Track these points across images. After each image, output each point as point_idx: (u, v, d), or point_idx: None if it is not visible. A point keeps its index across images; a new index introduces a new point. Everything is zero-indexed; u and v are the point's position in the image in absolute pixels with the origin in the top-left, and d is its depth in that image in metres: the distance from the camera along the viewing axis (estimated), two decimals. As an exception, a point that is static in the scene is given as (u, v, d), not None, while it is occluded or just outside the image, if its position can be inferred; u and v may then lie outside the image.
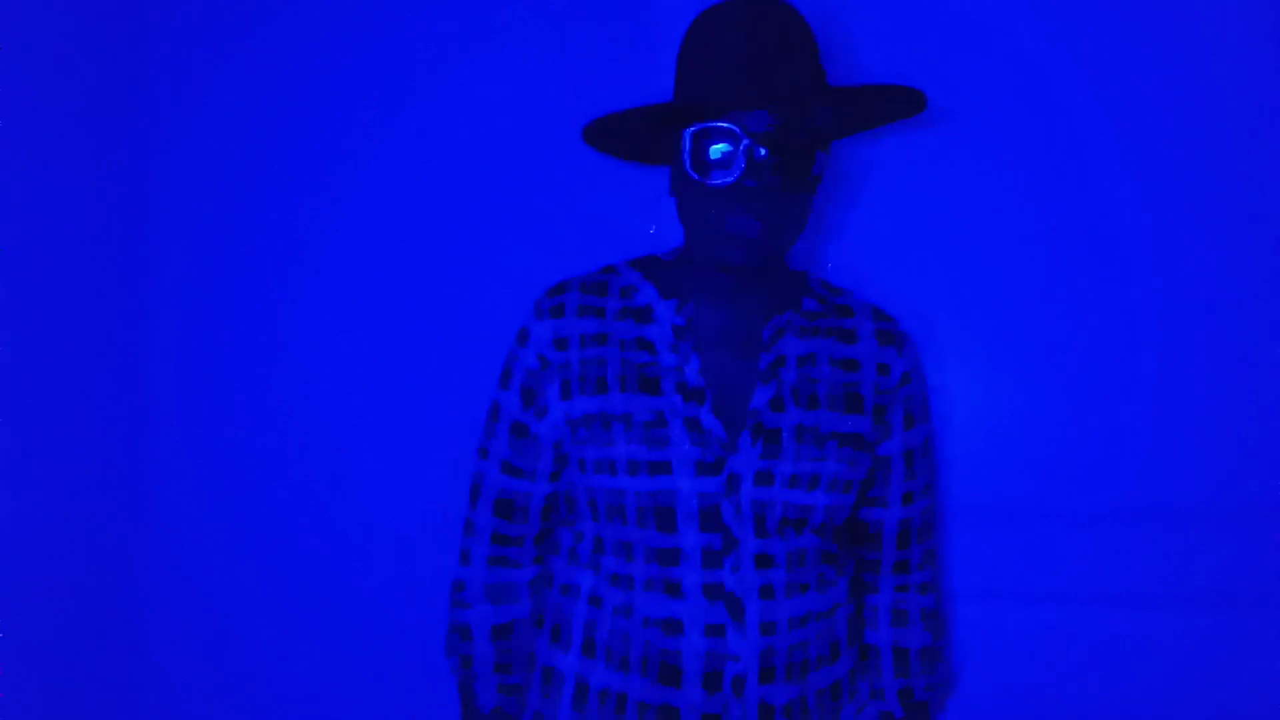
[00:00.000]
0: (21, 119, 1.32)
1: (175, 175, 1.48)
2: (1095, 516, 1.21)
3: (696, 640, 0.97)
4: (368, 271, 1.42)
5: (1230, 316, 1.18)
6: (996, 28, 1.23)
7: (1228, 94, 1.17)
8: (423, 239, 1.40)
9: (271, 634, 1.46)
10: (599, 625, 1.02)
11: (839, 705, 1.05)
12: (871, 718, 1.11)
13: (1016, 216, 1.23)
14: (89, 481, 1.44)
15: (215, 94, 1.46)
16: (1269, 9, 1.17)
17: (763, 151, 0.92)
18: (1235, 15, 1.18)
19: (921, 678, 1.12)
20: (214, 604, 1.48)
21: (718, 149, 0.93)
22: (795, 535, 1.00)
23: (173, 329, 1.49)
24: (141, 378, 1.49)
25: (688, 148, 0.95)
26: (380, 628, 1.40)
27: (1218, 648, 1.18)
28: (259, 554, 1.46)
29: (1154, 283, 1.20)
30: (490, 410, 1.09)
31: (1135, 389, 1.20)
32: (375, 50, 1.40)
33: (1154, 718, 1.20)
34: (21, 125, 1.32)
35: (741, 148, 0.92)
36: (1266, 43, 1.16)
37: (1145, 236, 1.20)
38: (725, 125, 0.93)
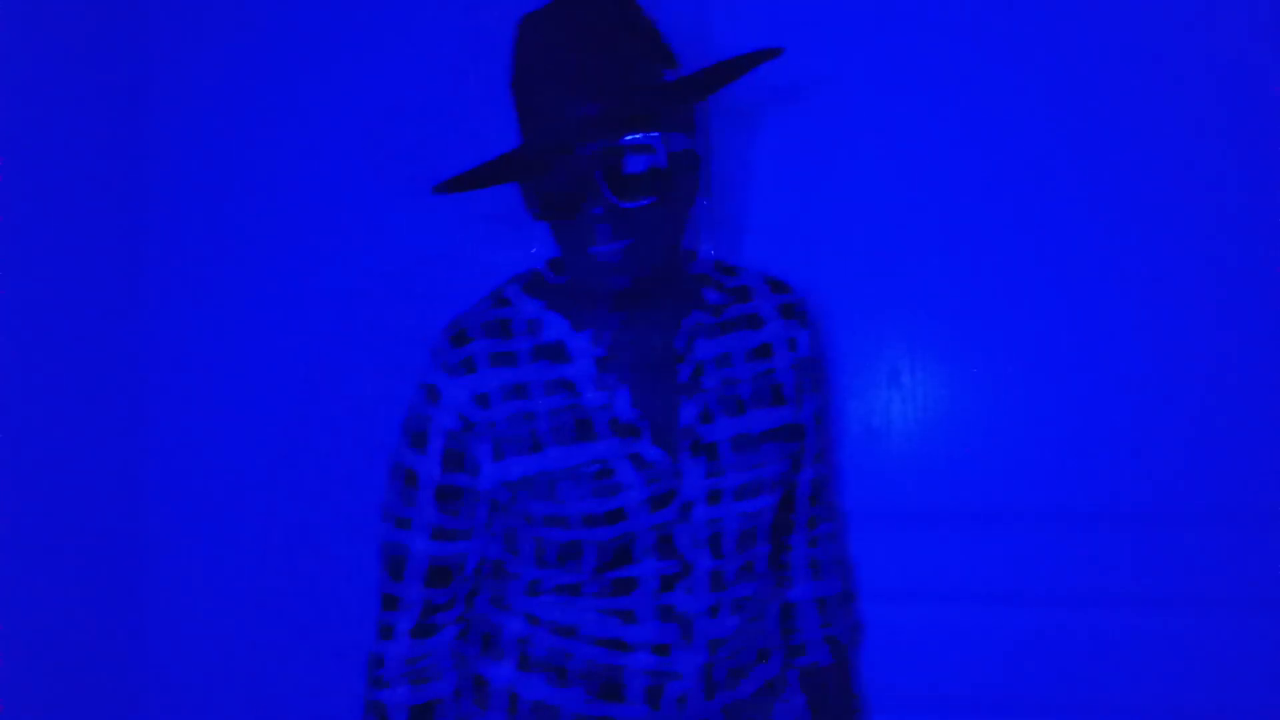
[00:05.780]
0: (20, 119, 1.32)
1: (172, 175, 1.48)
2: (1095, 518, 1.21)
3: (643, 659, 0.95)
4: (369, 273, 1.42)
5: (1230, 315, 1.18)
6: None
7: (1221, 87, 1.17)
8: (419, 241, 1.40)
9: (270, 634, 1.46)
10: (535, 642, 0.98)
11: (771, 703, 1.04)
12: (793, 681, 1.10)
13: (1016, 212, 1.23)
14: (87, 482, 1.44)
15: (214, 94, 1.46)
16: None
17: (614, 174, 0.85)
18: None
19: (842, 622, 1.14)
20: (212, 604, 1.48)
21: (566, 184, 0.86)
22: (751, 547, 0.98)
23: (171, 330, 1.49)
24: (139, 378, 1.49)
25: (536, 189, 0.89)
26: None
27: (1218, 648, 1.18)
28: (259, 555, 1.46)
29: (1153, 281, 1.19)
30: (403, 476, 0.98)
31: (1135, 390, 1.20)
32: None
33: (1153, 718, 1.20)
34: (20, 125, 1.32)
35: (590, 177, 0.85)
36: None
37: (1144, 231, 1.19)
38: (569, 159, 0.86)
